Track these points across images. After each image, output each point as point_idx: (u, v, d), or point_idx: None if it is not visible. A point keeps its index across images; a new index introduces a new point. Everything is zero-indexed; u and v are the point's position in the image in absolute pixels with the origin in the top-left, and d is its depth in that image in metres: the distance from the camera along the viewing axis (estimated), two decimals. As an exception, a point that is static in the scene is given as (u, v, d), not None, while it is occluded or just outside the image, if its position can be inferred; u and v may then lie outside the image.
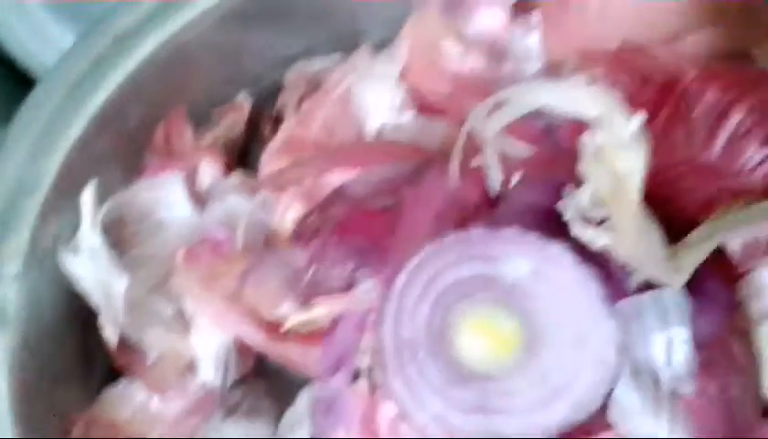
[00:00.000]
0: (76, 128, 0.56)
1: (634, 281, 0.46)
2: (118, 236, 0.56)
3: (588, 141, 0.44)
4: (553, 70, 0.58)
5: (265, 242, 0.54)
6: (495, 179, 0.50)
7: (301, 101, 0.62)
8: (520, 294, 0.46)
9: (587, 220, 0.45)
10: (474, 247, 0.46)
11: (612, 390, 0.46)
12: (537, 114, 0.49)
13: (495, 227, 0.47)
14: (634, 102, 0.51)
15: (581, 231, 0.45)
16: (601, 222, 0.45)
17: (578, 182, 0.46)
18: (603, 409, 0.46)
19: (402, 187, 0.51)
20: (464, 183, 0.50)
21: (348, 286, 0.50)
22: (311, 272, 0.50)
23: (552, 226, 0.47)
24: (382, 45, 0.63)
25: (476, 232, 0.46)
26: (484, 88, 0.56)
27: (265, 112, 0.63)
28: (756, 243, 0.50)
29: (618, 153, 0.44)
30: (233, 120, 0.62)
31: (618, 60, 0.54)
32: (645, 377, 0.46)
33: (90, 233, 0.54)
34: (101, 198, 0.56)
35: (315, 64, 0.63)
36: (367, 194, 0.51)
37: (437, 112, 0.60)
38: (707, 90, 0.52)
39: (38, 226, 0.54)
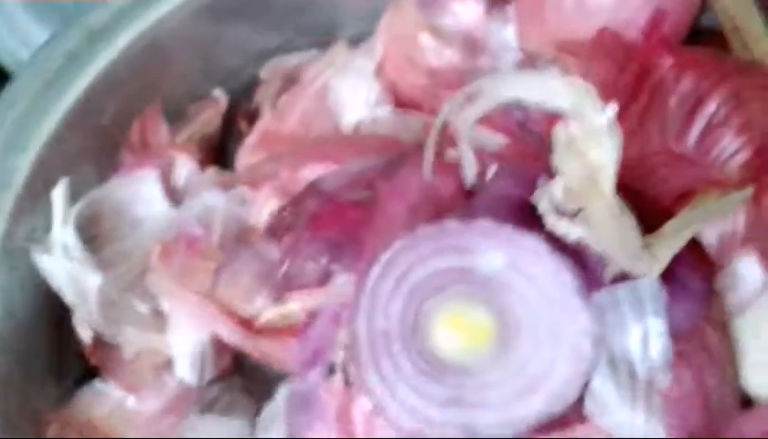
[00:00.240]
0: (49, 124, 0.56)
1: (610, 272, 0.46)
2: (93, 233, 0.56)
3: (561, 132, 0.44)
4: (530, 62, 0.58)
5: (241, 238, 0.54)
6: (469, 171, 0.49)
7: (278, 95, 0.62)
8: (495, 286, 0.45)
9: (561, 212, 0.45)
10: (448, 239, 0.46)
11: (588, 381, 0.46)
12: (512, 106, 0.49)
13: (470, 219, 0.46)
14: (609, 91, 0.51)
15: (554, 224, 0.45)
16: (575, 214, 0.45)
17: (552, 174, 0.46)
18: (580, 401, 0.46)
19: (377, 181, 0.50)
20: (439, 176, 0.50)
21: (323, 281, 0.49)
22: (285, 266, 0.50)
23: (528, 218, 0.46)
24: (359, 39, 0.62)
25: (450, 225, 0.46)
26: (460, 81, 0.56)
27: (242, 107, 0.63)
28: (732, 235, 0.50)
29: (591, 144, 0.44)
30: (209, 115, 0.62)
31: (594, 49, 0.53)
32: (622, 368, 0.46)
33: (62, 231, 0.53)
34: (76, 194, 0.55)
35: (292, 59, 0.63)
36: (341, 187, 0.51)
37: (414, 106, 0.60)
38: (683, 78, 0.52)
39: (12, 223, 0.54)
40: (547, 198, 0.45)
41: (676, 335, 0.46)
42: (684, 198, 0.50)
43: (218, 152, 0.62)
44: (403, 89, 0.60)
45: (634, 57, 0.53)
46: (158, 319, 0.54)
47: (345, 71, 0.60)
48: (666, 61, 0.52)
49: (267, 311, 0.51)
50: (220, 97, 0.62)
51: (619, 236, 0.45)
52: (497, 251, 0.46)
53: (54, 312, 0.55)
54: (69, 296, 0.54)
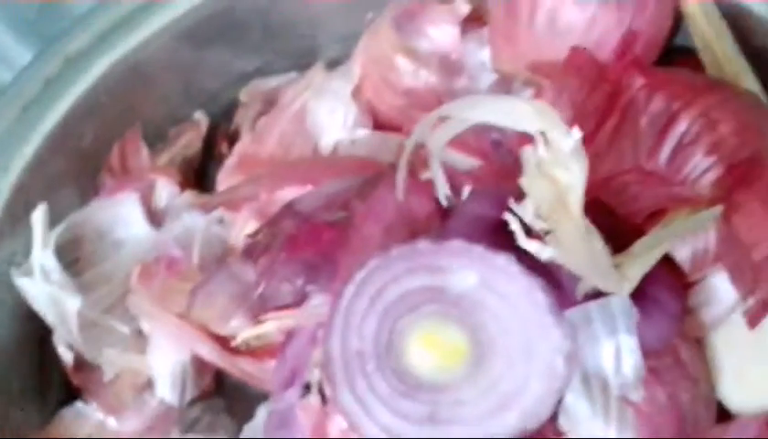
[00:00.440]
0: (29, 148, 0.56)
1: (582, 289, 0.47)
2: (75, 256, 0.56)
3: (528, 155, 0.45)
4: (505, 84, 0.59)
5: (221, 259, 0.55)
6: (442, 192, 0.50)
7: (257, 118, 0.63)
8: (468, 305, 0.46)
9: (531, 232, 0.46)
10: (421, 259, 0.46)
11: (562, 398, 0.46)
12: (486, 127, 0.49)
13: (443, 239, 0.47)
14: (582, 110, 0.52)
15: (525, 243, 0.45)
16: (546, 233, 0.46)
17: (523, 194, 0.46)
18: (554, 417, 0.46)
19: (352, 201, 0.51)
20: (414, 196, 0.51)
21: (299, 301, 0.50)
22: (261, 287, 0.50)
23: (502, 238, 0.47)
24: (337, 62, 0.63)
25: (423, 245, 0.47)
26: (437, 102, 0.56)
27: (221, 129, 0.64)
28: (704, 253, 0.50)
29: (558, 166, 0.44)
30: (190, 138, 0.62)
31: (567, 69, 0.54)
32: (595, 384, 0.47)
33: (42, 254, 0.54)
34: (57, 218, 0.56)
35: (271, 81, 0.64)
36: (316, 208, 0.51)
37: (392, 127, 0.61)
38: (654, 98, 0.52)
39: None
40: (517, 218, 0.46)
41: (648, 351, 0.47)
42: (655, 216, 0.50)
43: (199, 174, 0.63)
44: (381, 110, 0.61)
45: (606, 76, 0.54)
46: (139, 340, 0.54)
47: (322, 94, 0.61)
48: (638, 81, 0.53)
49: (243, 331, 0.51)
50: (201, 120, 0.63)
51: (588, 255, 0.45)
52: (469, 270, 0.46)
53: (36, 334, 0.56)
54: (49, 319, 0.55)
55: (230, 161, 0.61)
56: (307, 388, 0.49)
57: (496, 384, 0.46)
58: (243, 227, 0.56)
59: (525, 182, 0.45)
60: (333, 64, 0.63)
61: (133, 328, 0.55)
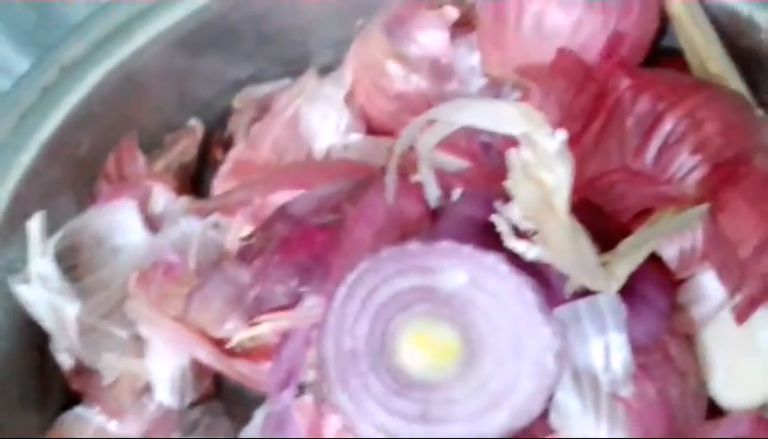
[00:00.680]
0: (27, 157, 0.57)
1: (571, 287, 0.47)
2: (73, 262, 0.57)
3: (514, 157, 0.46)
4: (494, 88, 0.59)
5: (214, 264, 0.55)
6: (431, 194, 0.51)
7: (251, 124, 0.63)
8: (458, 304, 0.47)
9: (518, 233, 0.46)
10: (411, 260, 0.47)
11: (552, 395, 0.47)
12: (476, 130, 0.50)
13: (433, 240, 0.48)
14: (568, 111, 0.53)
15: (513, 244, 0.46)
16: (533, 234, 0.46)
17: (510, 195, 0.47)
18: (545, 414, 0.47)
19: (344, 204, 0.52)
20: (404, 198, 0.51)
21: (293, 303, 0.51)
22: (255, 290, 0.51)
23: (491, 238, 0.48)
24: (329, 68, 0.64)
25: (413, 246, 0.47)
26: (428, 106, 0.57)
27: (216, 136, 0.64)
28: (692, 251, 0.51)
29: (543, 168, 0.45)
30: (185, 145, 0.63)
31: (553, 70, 0.55)
32: (585, 381, 0.47)
33: (40, 261, 0.55)
34: (55, 225, 0.57)
35: (264, 88, 0.65)
36: (309, 212, 0.52)
37: (384, 132, 0.61)
38: (640, 99, 0.53)
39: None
40: (505, 220, 0.47)
41: (637, 347, 0.48)
42: (642, 215, 0.51)
43: (195, 180, 0.63)
44: (373, 115, 0.62)
45: (592, 78, 0.55)
46: (137, 344, 0.55)
47: (315, 99, 0.62)
48: (624, 82, 0.54)
49: (238, 334, 0.52)
50: (196, 126, 0.64)
51: (575, 254, 0.46)
52: (459, 269, 0.47)
53: (35, 340, 0.56)
54: (48, 325, 0.55)
55: (225, 167, 0.61)
56: (302, 389, 0.50)
57: (486, 382, 0.46)
58: (238, 231, 0.57)
59: (510, 184, 0.46)
60: (325, 70, 0.64)
61: (131, 333, 0.55)
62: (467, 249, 0.47)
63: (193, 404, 0.56)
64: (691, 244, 0.51)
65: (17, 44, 0.74)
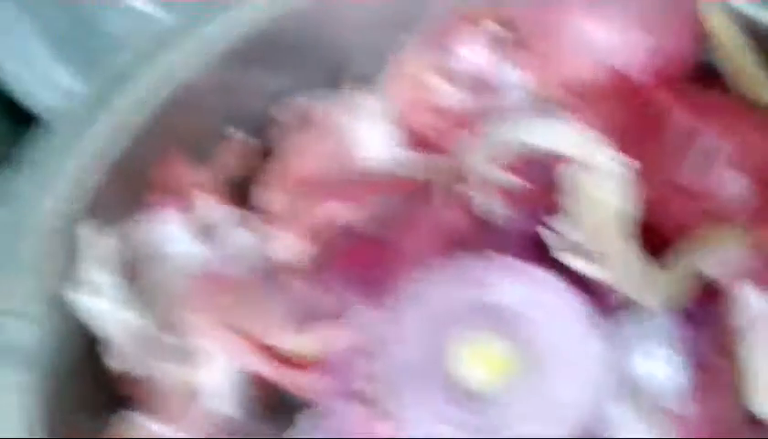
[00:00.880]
0: (75, 167, 0.58)
1: (621, 302, 0.49)
2: (123, 272, 0.58)
3: (569, 175, 0.46)
4: (539, 104, 0.60)
5: (267, 274, 0.56)
6: (484, 209, 0.52)
7: (293, 136, 0.64)
8: (513, 319, 0.48)
9: (573, 249, 0.47)
10: (468, 274, 0.48)
11: (603, 408, 0.48)
12: (524, 145, 0.51)
13: (487, 254, 0.49)
14: (615, 130, 0.54)
15: (566, 259, 0.47)
16: (588, 251, 0.47)
17: (564, 212, 0.48)
18: (597, 426, 0.48)
19: (396, 218, 0.53)
20: (454, 212, 0.52)
21: (348, 314, 0.52)
22: (310, 301, 0.52)
23: (542, 253, 0.49)
24: (370, 79, 0.65)
25: (469, 260, 0.48)
26: (472, 121, 0.58)
27: (260, 148, 0.65)
28: (736, 267, 0.52)
29: (600, 188, 0.46)
30: (231, 156, 0.64)
31: (598, 88, 0.56)
32: (634, 395, 0.49)
33: (93, 271, 0.56)
34: (105, 235, 0.58)
35: (306, 100, 0.65)
36: (363, 225, 0.53)
37: (427, 146, 0.62)
38: (682, 115, 0.54)
39: (45, 264, 0.56)
40: (558, 236, 0.48)
41: (685, 362, 0.49)
42: (685, 230, 0.52)
43: (241, 192, 0.64)
44: (415, 129, 0.62)
45: (636, 94, 0.56)
46: (192, 354, 0.56)
47: (358, 112, 0.63)
48: (666, 98, 0.55)
49: (294, 344, 0.53)
50: (243, 138, 0.64)
51: (627, 271, 0.47)
52: (515, 284, 0.48)
53: (88, 348, 0.57)
54: (101, 333, 0.56)
55: (270, 178, 0.62)
56: (355, 399, 0.51)
57: (541, 396, 0.48)
58: (286, 243, 0.58)
59: (566, 201, 0.47)
60: (366, 81, 0.65)
61: (185, 343, 0.56)
62: (523, 264, 0.48)
63: (244, 412, 0.57)
64: (735, 259, 0.52)
65: (55, 51, 0.75)
